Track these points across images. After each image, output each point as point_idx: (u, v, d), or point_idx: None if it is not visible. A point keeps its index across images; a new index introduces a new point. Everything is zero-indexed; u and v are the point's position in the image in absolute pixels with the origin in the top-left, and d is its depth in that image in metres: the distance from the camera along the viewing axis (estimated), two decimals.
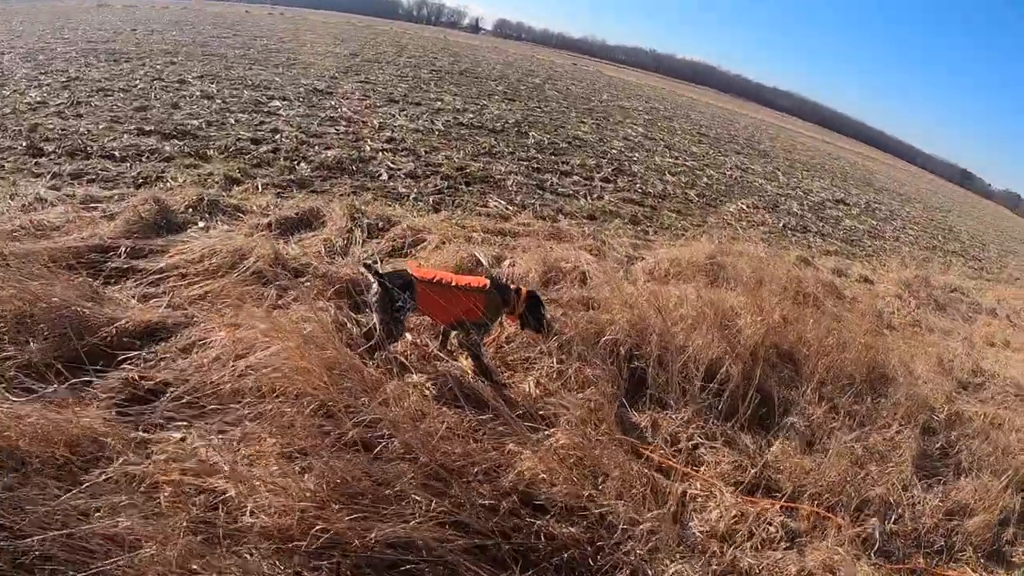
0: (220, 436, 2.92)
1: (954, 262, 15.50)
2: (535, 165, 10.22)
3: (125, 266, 4.32)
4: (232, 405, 3.10)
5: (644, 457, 4.23)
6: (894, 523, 4.64)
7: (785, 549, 3.91)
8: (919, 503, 4.91)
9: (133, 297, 3.96)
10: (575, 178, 10.39)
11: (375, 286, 3.78)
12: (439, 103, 12.22)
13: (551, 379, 4.59)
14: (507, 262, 6.17)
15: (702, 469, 4.38)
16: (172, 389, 3.13)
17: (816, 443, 5.28)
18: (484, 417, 3.78)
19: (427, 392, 3.87)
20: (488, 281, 4.13)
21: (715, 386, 5.06)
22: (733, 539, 3.85)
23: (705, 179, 13.72)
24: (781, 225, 12.27)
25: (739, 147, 21.33)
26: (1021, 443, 6.86)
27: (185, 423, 2.98)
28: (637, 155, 13.51)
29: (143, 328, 3.56)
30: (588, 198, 9.58)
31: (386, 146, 8.88)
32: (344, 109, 10.11)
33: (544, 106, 15.47)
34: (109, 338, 3.39)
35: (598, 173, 11.04)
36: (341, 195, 6.74)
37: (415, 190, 7.55)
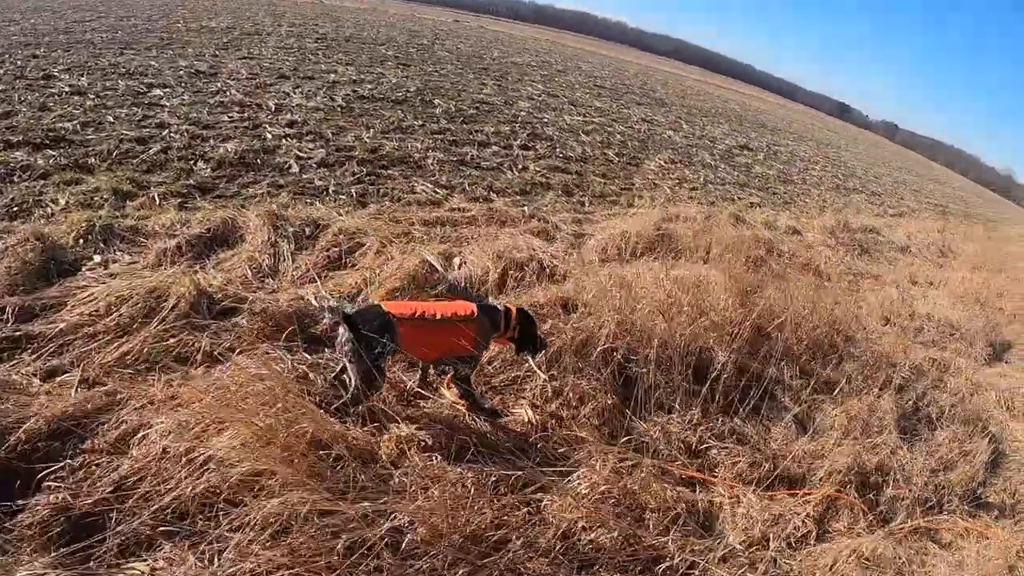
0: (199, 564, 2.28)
1: (858, 200, 16.20)
2: (450, 138, 9.54)
3: (17, 334, 3.40)
4: (202, 520, 2.43)
5: (666, 472, 3.94)
6: (892, 489, 4.70)
7: (816, 541, 3.85)
8: (907, 464, 5.03)
9: (35, 376, 3.12)
10: (494, 148, 9.82)
11: (344, 332, 3.14)
12: (333, 75, 11.16)
13: (546, 400, 4.18)
14: (457, 260, 5.60)
15: (720, 472, 4.20)
16: (118, 509, 2.44)
17: (808, 422, 5.21)
18: (496, 466, 3.31)
19: (423, 442, 3.32)
20: (474, 307, 3.60)
21: (710, 378, 4.82)
22: (768, 543, 3.70)
23: (618, 136, 13.51)
24: (702, 180, 12.31)
25: (637, 97, 21.32)
26: (969, 385, 7.17)
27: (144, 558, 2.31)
28: (546, 116, 13.07)
29: (58, 422, 2.75)
30: (514, 170, 9.07)
31: (289, 131, 7.91)
32: (233, 92, 8.93)
33: (440, 69, 14.64)
34: (19, 446, 2.60)
35: (515, 140, 10.52)
36: (254, 199, 5.89)
37: (333, 181, 6.74)
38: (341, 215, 5.88)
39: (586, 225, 7.67)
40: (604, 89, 20.66)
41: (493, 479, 3.16)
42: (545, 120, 12.62)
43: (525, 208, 7.45)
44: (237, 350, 3.59)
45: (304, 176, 6.72)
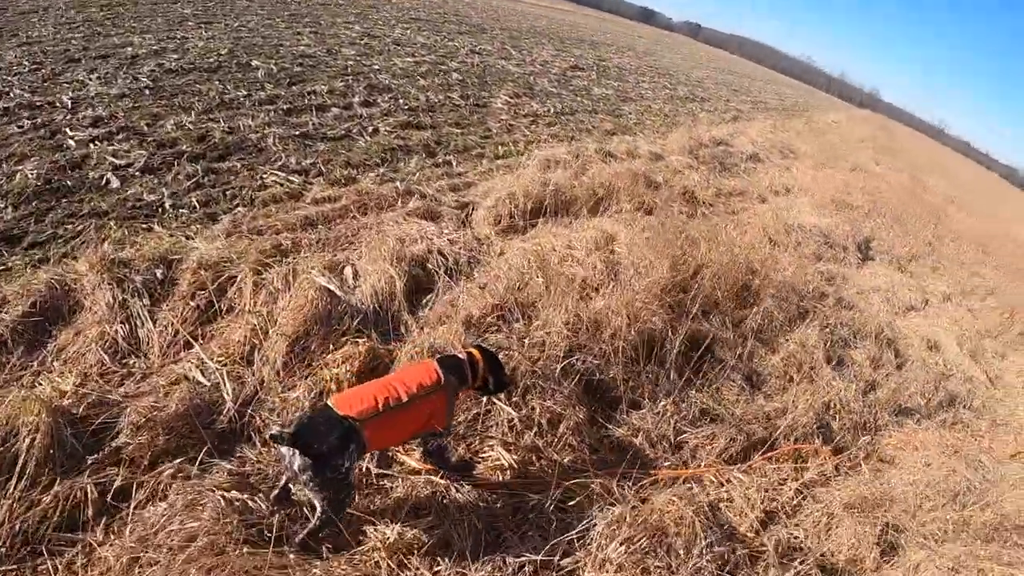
0: None
1: (694, 109, 16.62)
2: (283, 106, 8.23)
3: None
4: None
5: (657, 481, 3.71)
6: (839, 422, 5.05)
7: (806, 500, 4.01)
8: (843, 392, 5.29)
9: None
10: (335, 111, 8.67)
11: (296, 459, 2.35)
12: (130, 48, 9.11)
13: (518, 434, 3.72)
14: (349, 271, 4.75)
15: (703, 457, 4.15)
16: None
17: (753, 376, 5.20)
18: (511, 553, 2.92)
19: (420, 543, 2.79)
20: (437, 369, 2.99)
21: (667, 357, 4.71)
22: (774, 519, 3.81)
23: (455, 75, 12.61)
24: (552, 112, 11.90)
25: (456, 27, 20.17)
26: (859, 295, 7.56)
27: None
28: (375, 62, 11.83)
29: None
30: (364, 135, 8.06)
31: (96, 132, 6.26)
32: (17, 91, 6.96)
33: (246, 22, 12.66)
34: None
35: (354, 97, 9.37)
36: (78, 239, 4.56)
37: (166, 192, 5.47)
38: (192, 239, 4.78)
39: (465, 191, 7.01)
40: (422, 22, 19.30)
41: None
42: (376, 67, 11.41)
43: (397, 183, 6.62)
44: (133, 492, 2.68)
45: (129, 191, 5.37)
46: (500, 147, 9.00)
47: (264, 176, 6.32)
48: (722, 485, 3.89)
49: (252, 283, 4.25)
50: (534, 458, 3.63)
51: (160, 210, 5.28)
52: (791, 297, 6.27)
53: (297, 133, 7.56)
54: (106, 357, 3.53)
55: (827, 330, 6.08)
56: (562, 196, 7.04)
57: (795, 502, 3.98)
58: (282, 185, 6.21)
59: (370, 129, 8.36)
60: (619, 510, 3.14)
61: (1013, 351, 7.96)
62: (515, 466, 3.51)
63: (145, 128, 6.56)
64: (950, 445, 5.13)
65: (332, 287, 4.27)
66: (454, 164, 7.93)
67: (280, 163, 6.69)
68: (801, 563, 3.35)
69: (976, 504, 4.20)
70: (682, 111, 16.08)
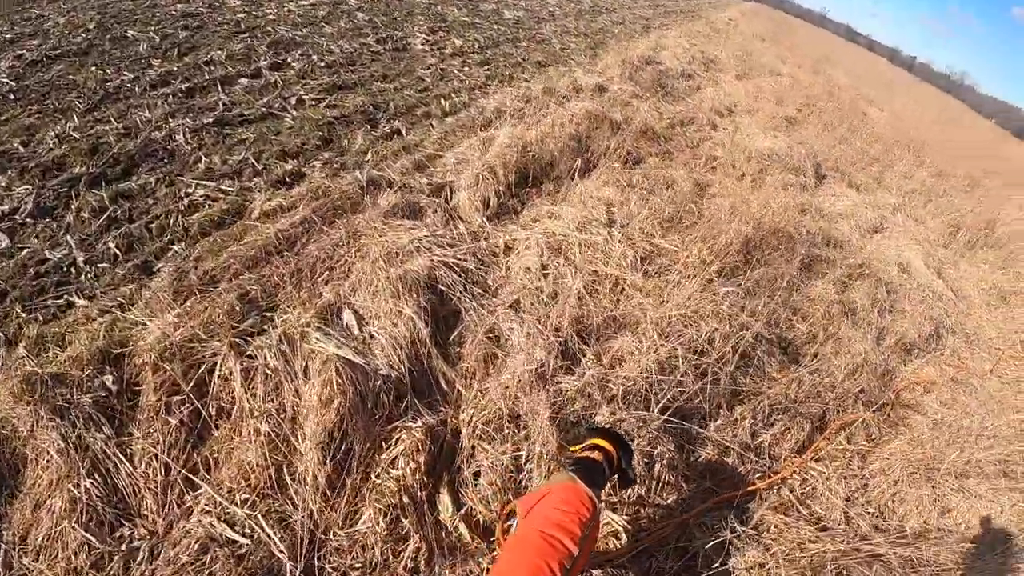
0: None
1: (606, 24, 15.70)
2: (181, 87, 6.61)
3: None
4: None
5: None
6: (866, 378, 4.98)
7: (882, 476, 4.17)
8: (869, 352, 5.32)
9: None
10: (243, 82, 7.14)
11: None
12: None
13: (615, 489, 3.20)
14: (347, 316, 3.76)
15: (780, 455, 4.03)
16: None
17: (787, 345, 5.05)
18: None
19: None
20: (588, 492, 2.30)
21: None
22: (853, 501, 3.92)
23: (359, 15, 10.90)
24: (476, 46, 10.57)
25: None
26: (830, 223, 7.29)
27: None
28: (269, 11, 9.95)
29: None
30: (289, 109, 6.68)
31: None
32: None
33: None
34: None
35: (261, 61, 7.75)
36: None
37: (73, 243, 4.07)
38: (130, 310, 3.56)
39: (431, 167, 5.88)
40: None
41: None
42: (271, 18, 9.63)
43: (356, 173, 5.44)
44: None
45: (24, 251, 4.00)
46: (443, 100, 7.77)
47: (189, 190, 5.01)
48: (805, 480, 3.88)
49: (240, 369, 3.23)
50: (640, 510, 3.23)
51: (73, 271, 3.93)
52: (787, 246, 5.85)
53: (209, 120, 6.10)
54: (92, 538, 2.47)
55: (832, 279, 5.91)
56: (541, 160, 6.11)
57: (862, 477, 4.10)
58: (216, 200, 4.93)
59: (293, 100, 6.95)
60: (753, 553, 3.04)
61: (963, 260, 8.37)
62: (627, 527, 3.06)
63: (21, 149, 5.05)
64: (950, 377, 5.55)
65: (351, 355, 3.29)
66: (404, 132, 6.74)
67: (202, 167, 5.33)
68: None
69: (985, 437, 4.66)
70: (596, 27, 14.94)
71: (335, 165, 5.69)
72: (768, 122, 10.43)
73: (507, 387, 3.40)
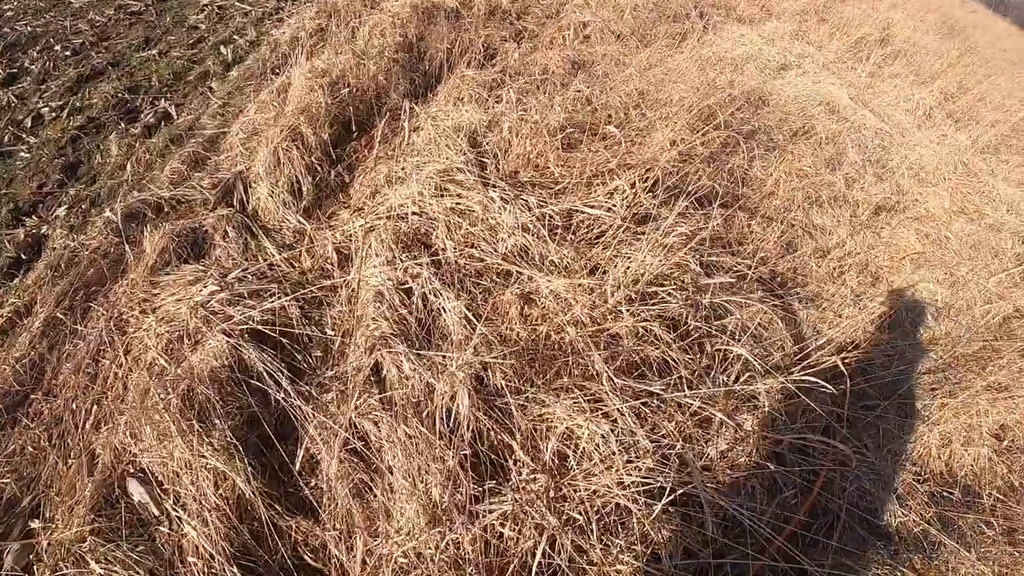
0: None
1: None
2: None
3: None
4: None
5: None
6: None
7: None
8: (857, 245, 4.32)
9: None
10: None
11: None
12: None
13: None
14: (149, 499, 2.24)
15: None
16: None
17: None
18: None
19: None
20: None
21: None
22: None
23: None
24: None
25: None
26: (737, 70, 5.92)
27: None
28: None
29: None
30: (28, 136, 4.64)
31: None
32: None
33: None
34: None
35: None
36: None
37: None
38: None
39: (216, 156, 4.01)
40: None
41: None
42: (8, 14, 7.18)
43: (108, 212, 3.65)
44: None
45: None
46: (223, 48, 5.71)
47: None
48: None
49: None
50: None
51: None
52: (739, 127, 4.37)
53: None
54: None
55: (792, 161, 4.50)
56: (364, 94, 4.37)
57: None
58: None
59: (29, 122, 4.98)
60: None
61: (876, 80, 7.03)
62: None
63: None
64: (918, 231, 4.57)
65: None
66: (174, 114, 4.87)
67: None
68: None
69: None
70: None
71: (82, 206, 3.90)
72: None
73: (403, 550, 2.00)
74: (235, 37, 5.89)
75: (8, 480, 2.43)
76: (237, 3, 6.82)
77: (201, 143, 4.21)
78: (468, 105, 3.95)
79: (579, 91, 4.12)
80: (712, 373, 2.62)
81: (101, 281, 3.22)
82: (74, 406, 2.63)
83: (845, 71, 6.69)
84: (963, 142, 5.90)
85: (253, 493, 2.20)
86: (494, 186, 3.19)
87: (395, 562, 2.04)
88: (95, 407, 2.65)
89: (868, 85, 6.56)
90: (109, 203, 3.77)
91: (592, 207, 3.12)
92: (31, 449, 2.52)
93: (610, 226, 3.01)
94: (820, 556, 2.52)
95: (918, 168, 5.20)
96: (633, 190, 3.12)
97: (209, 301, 2.81)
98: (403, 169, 3.45)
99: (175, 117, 4.71)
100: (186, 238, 3.32)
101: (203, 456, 2.24)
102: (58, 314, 3.08)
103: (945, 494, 2.92)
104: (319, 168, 3.71)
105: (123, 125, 4.68)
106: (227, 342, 2.59)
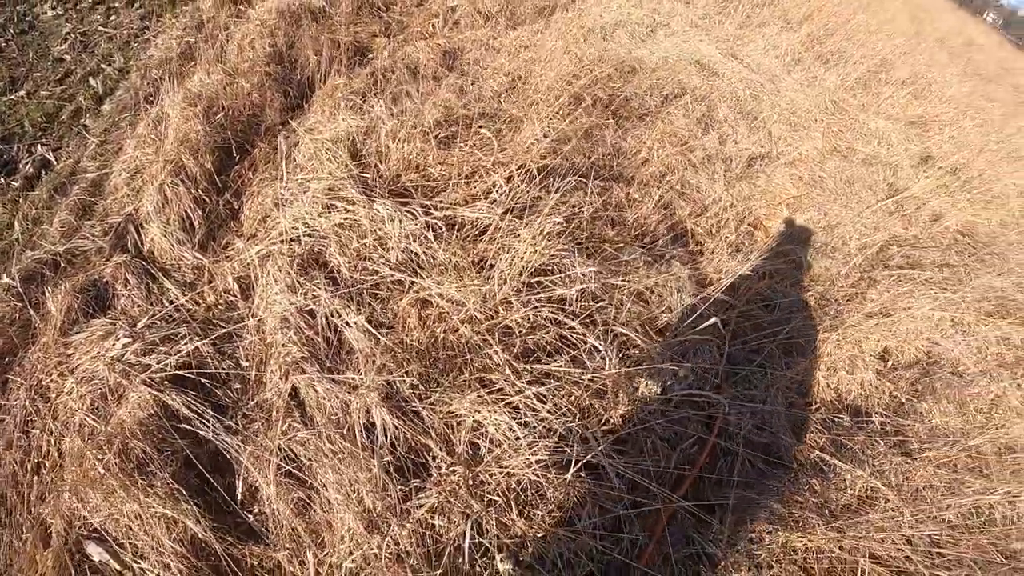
0: None
1: None
2: None
3: None
4: None
5: None
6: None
7: None
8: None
9: None
10: None
11: None
12: None
13: None
14: (108, 556, 2.41)
15: None
16: None
17: None
18: None
19: None
20: None
21: None
22: None
23: None
24: None
25: None
26: (606, 39, 6.04)
27: None
28: None
29: None
30: None
31: None
32: None
33: None
34: None
35: None
36: None
37: None
38: None
39: (103, 200, 4.04)
40: None
41: None
42: None
43: (5, 278, 3.68)
44: None
45: None
46: (92, 80, 5.61)
47: None
48: None
49: None
50: None
51: None
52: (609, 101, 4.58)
53: None
54: None
55: (664, 126, 4.72)
56: (240, 114, 4.41)
57: None
58: None
59: None
60: None
61: (745, 30, 7.19)
62: None
63: None
64: (792, 175, 4.88)
65: None
66: (53, 160, 4.78)
67: None
68: None
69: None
70: None
71: None
72: None
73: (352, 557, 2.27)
74: (103, 66, 5.72)
75: None
76: (100, 27, 6.56)
77: (86, 188, 4.19)
78: (344, 112, 4.06)
79: (452, 84, 4.28)
80: (602, 348, 2.93)
81: (13, 351, 3.27)
82: (15, 482, 2.75)
83: (714, 26, 6.87)
84: (833, 81, 6.23)
85: (205, 531, 2.41)
86: (380, 197, 3.37)
87: (344, 569, 2.30)
88: (35, 479, 2.77)
89: (737, 37, 6.81)
90: (4, 267, 3.75)
91: (473, 207, 3.34)
92: None
93: (492, 222, 3.25)
94: (725, 492, 2.90)
95: (790, 113, 5.51)
96: (509, 185, 3.35)
97: (124, 354, 2.93)
98: (288, 190, 3.57)
99: (54, 163, 4.63)
100: (88, 292, 3.39)
101: (151, 506, 2.42)
102: None
103: (835, 420, 3.34)
104: (207, 199, 3.78)
105: (3, 179, 4.58)
106: (149, 392, 2.74)
